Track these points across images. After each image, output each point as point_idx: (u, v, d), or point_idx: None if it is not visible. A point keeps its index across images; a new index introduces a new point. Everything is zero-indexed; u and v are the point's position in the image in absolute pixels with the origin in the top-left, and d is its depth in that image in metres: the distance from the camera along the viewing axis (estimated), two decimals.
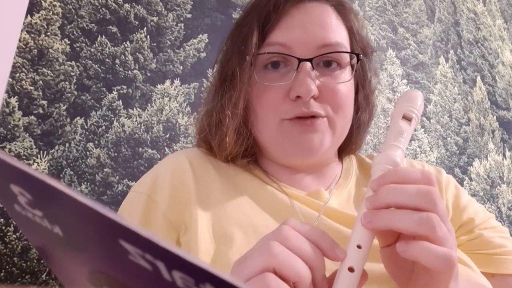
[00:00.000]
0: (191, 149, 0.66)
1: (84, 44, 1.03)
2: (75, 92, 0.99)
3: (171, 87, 1.11)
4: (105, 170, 0.97)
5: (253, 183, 0.60)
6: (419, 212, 0.37)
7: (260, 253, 0.36)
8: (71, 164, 0.94)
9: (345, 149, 0.67)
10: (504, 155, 1.78)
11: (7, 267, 0.83)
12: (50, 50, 0.98)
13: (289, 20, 0.59)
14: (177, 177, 0.58)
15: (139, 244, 0.17)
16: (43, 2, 1.00)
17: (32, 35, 0.97)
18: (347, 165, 0.68)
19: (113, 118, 1.02)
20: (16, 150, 0.89)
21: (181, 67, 1.15)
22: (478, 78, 1.85)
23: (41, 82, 0.95)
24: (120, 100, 1.04)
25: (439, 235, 0.36)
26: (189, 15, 1.20)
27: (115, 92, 1.04)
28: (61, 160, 0.93)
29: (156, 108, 1.08)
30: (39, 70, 0.96)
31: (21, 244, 0.85)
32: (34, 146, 0.91)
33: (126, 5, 1.11)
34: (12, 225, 0.85)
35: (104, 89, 1.03)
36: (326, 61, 0.59)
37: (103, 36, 1.06)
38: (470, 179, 1.62)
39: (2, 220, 0.84)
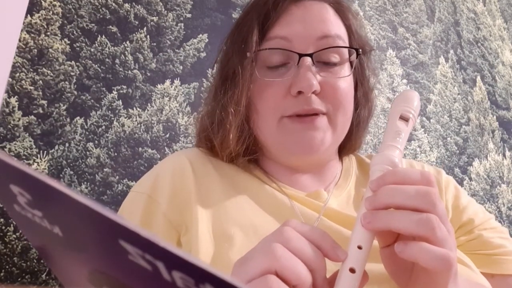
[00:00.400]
0: (191, 149, 0.66)
1: (84, 44, 1.03)
2: (75, 92, 0.99)
3: (171, 87, 1.11)
4: (105, 170, 0.97)
5: (253, 183, 0.60)
6: (419, 213, 0.37)
7: (262, 255, 0.36)
8: (71, 164, 0.94)
9: (345, 147, 0.68)
10: (504, 155, 1.78)
11: (7, 267, 0.83)
12: (50, 50, 0.98)
13: (288, 17, 0.60)
14: (177, 177, 0.58)
15: (139, 244, 0.17)
16: (43, 2, 1.00)
17: (32, 35, 0.97)
18: (347, 165, 0.68)
19: (113, 118, 1.02)
20: (16, 150, 0.89)
21: (181, 67, 1.15)
22: (478, 78, 1.85)
23: (41, 82, 0.95)
24: (120, 100, 1.04)
25: (439, 236, 0.36)
26: (189, 15, 1.20)
27: (115, 92, 1.04)
28: (61, 160, 0.93)
29: (156, 108, 1.08)
30: (39, 70, 0.96)
31: (21, 244, 0.85)
32: (34, 146, 0.91)
33: (126, 5, 1.11)
34: (12, 225, 0.85)
35: (104, 89, 1.03)
36: (326, 57, 0.59)
37: (103, 36, 1.06)
38: (470, 179, 1.62)
39: (2, 220, 0.84)
